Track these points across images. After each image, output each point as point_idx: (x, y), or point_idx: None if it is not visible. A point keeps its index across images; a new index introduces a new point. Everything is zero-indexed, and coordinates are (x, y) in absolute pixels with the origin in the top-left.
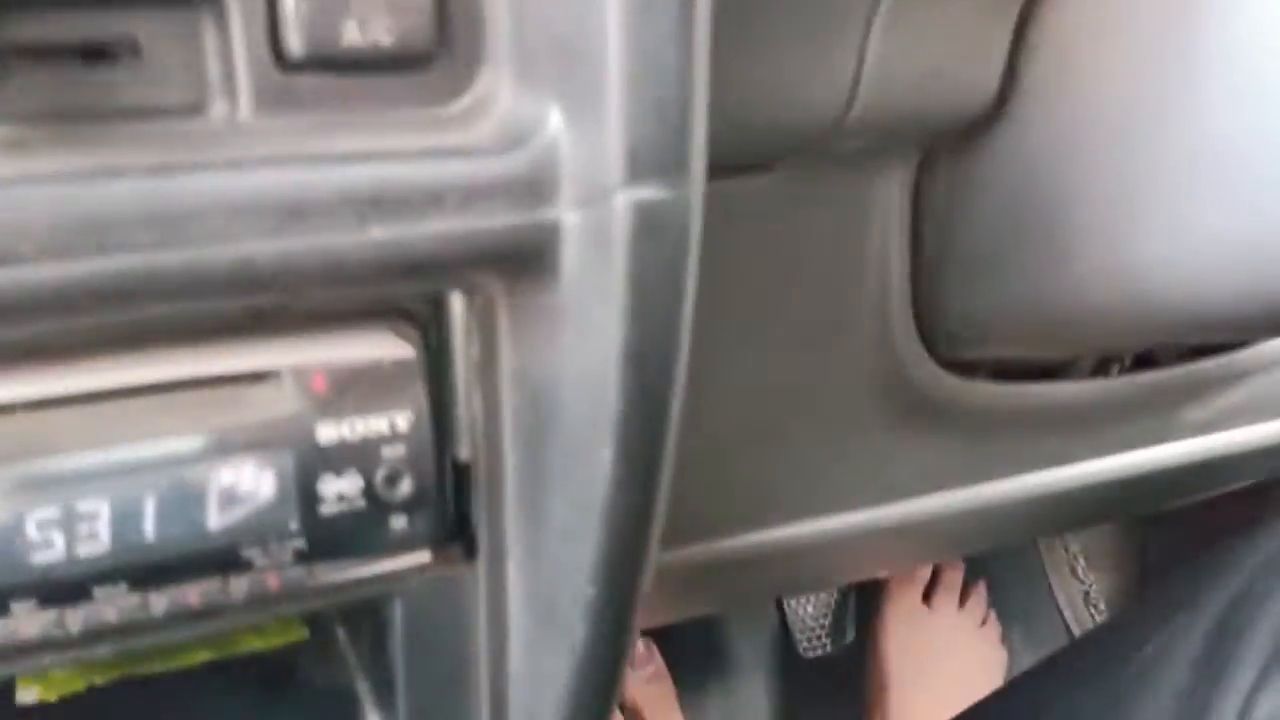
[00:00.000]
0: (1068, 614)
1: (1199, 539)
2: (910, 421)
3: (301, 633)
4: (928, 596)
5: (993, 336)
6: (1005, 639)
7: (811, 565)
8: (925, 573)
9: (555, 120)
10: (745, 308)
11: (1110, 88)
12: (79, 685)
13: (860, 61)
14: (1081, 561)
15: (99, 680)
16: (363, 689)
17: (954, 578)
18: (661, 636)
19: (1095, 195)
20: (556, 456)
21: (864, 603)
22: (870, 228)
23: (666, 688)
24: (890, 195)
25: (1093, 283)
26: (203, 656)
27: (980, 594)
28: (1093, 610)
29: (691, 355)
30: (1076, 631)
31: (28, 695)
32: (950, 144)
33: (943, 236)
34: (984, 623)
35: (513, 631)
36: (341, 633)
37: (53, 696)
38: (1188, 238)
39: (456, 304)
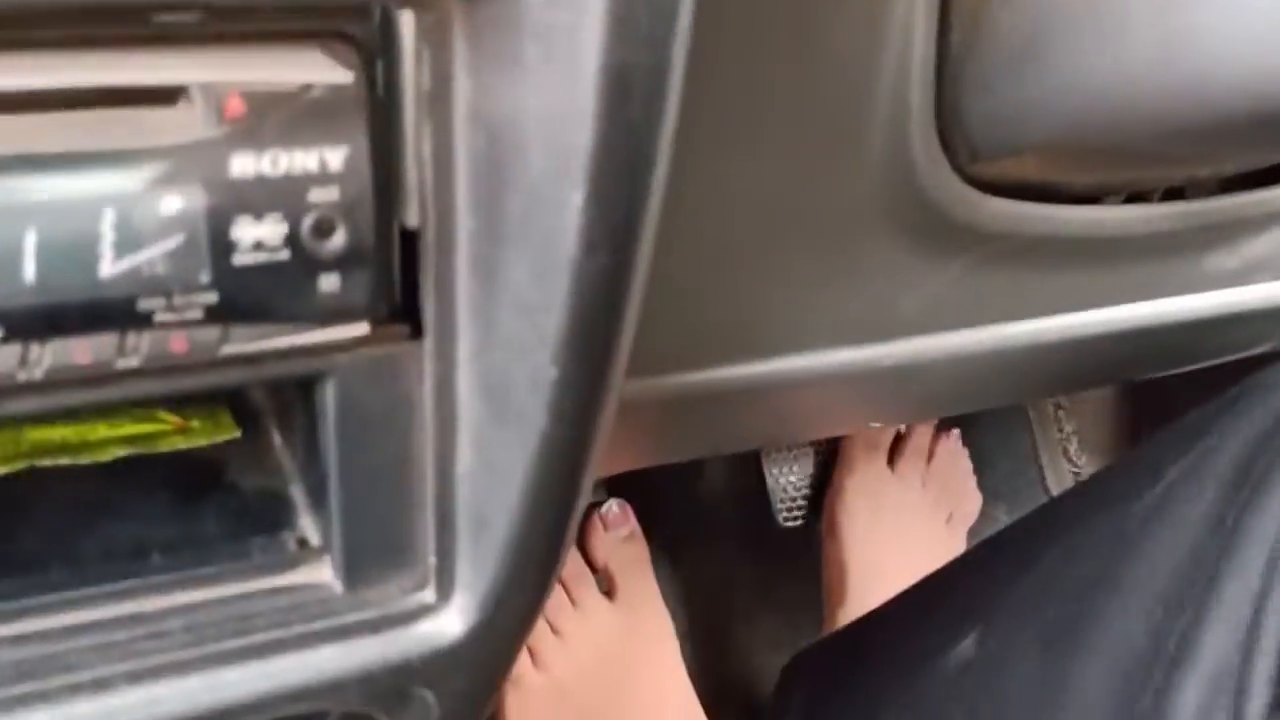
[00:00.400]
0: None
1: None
2: (921, 244)
3: (231, 431)
4: (891, 462)
5: (1024, 144)
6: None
7: (802, 408)
8: (887, 438)
9: None
10: (741, 94)
11: None
12: None
13: None
14: (1075, 443)
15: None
16: (296, 493)
17: (920, 443)
18: (638, 498)
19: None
20: (517, 210)
21: (823, 473)
22: (893, 3)
23: (641, 549)
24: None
25: (1143, 68)
26: (117, 452)
27: (957, 456)
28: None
29: (677, 144)
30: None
31: None
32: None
33: (975, 19)
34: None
35: (462, 422)
36: (277, 435)
37: None
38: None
39: (406, 24)
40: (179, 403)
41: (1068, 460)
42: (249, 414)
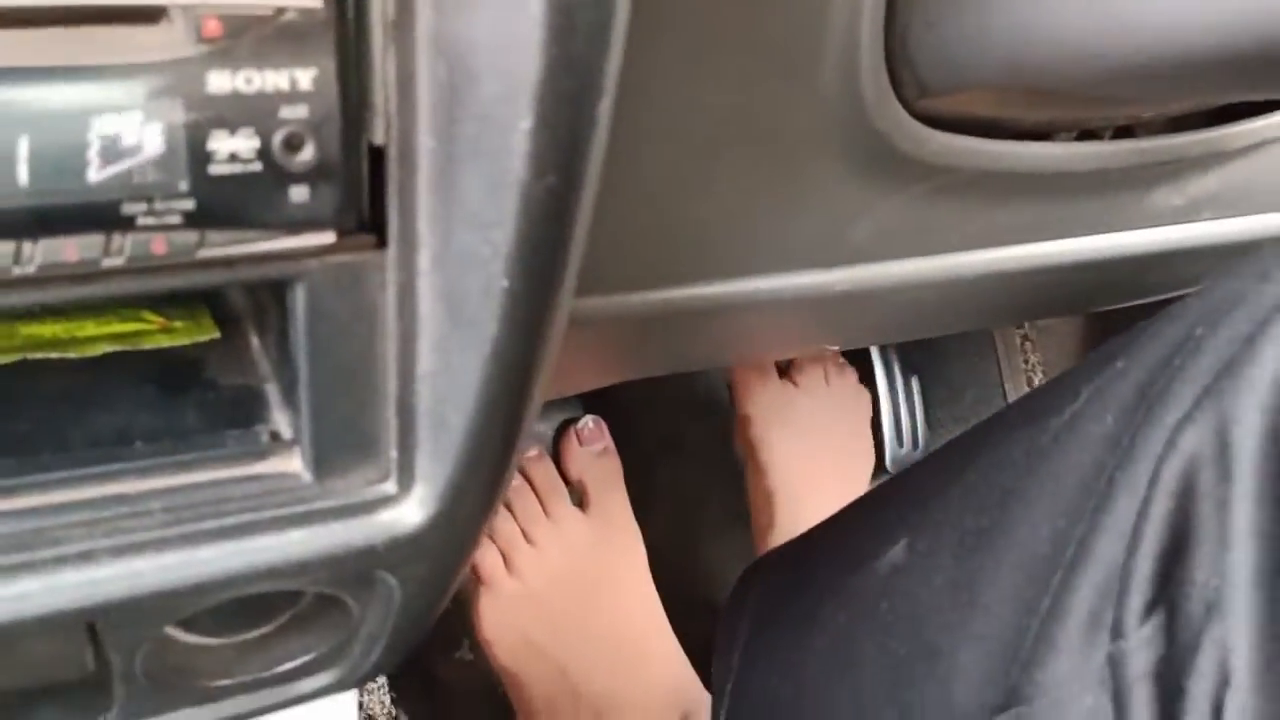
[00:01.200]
0: None
1: None
2: (871, 173)
3: (212, 331)
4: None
5: (968, 82)
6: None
7: (756, 330)
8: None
9: None
10: (694, 22)
11: None
12: None
13: None
14: (1040, 374)
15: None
16: (270, 391)
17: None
18: (612, 416)
19: None
20: (472, 133)
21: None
22: None
23: (614, 465)
24: None
25: (1075, 15)
26: (104, 347)
27: (844, 368)
28: None
29: (627, 68)
30: None
31: None
32: None
33: None
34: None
35: (422, 327)
36: (254, 337)
37: None
38: None
39: None
40: (163, 303)
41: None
42: (228, 317)
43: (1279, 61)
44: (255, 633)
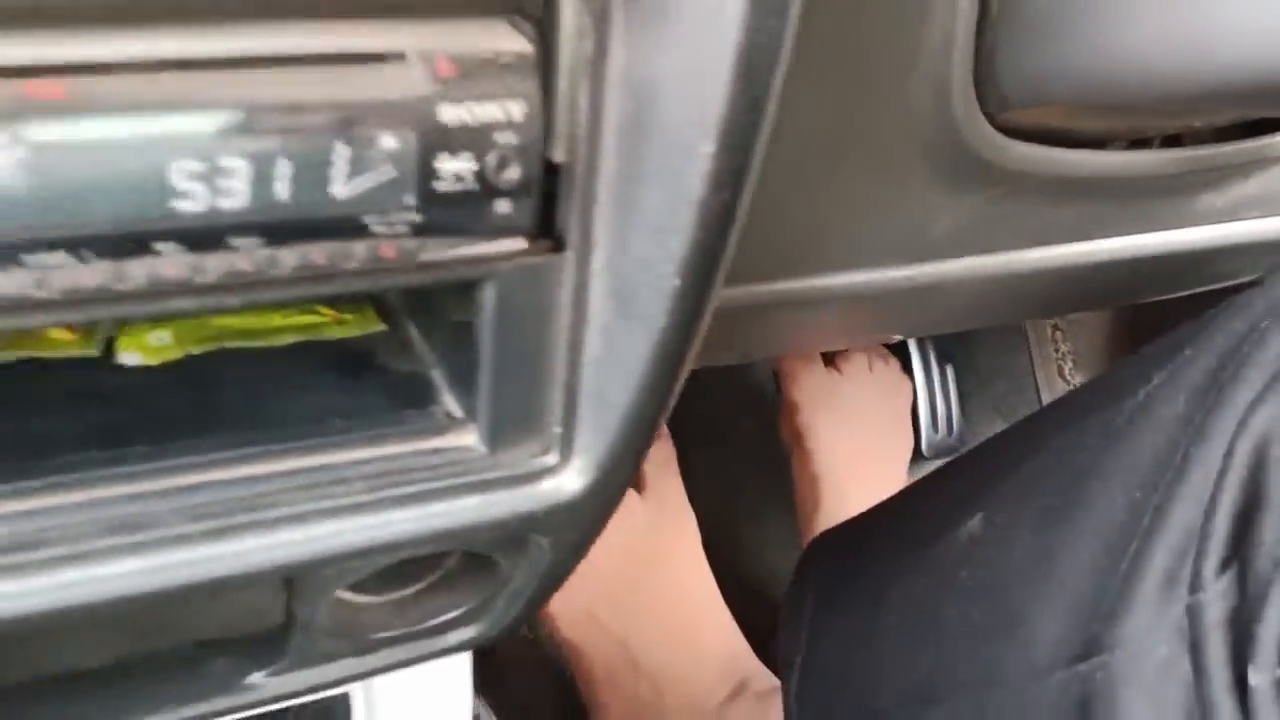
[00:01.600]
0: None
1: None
2: (955, 177)
3: (378, 324)
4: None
5: (1046, 99)
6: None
7: (827, 323)
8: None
9: None
10: (809, 40)
11: None
12: (177, 352)
13: None
14: (1070, 363)
15: (195, 350)
16: (436, 375)
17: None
18: None
19: None
20: (656, 153)
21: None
22: None
23: (669, 449)
24: None
25: (1151, 43)
26: (290, 338)
27: (887, 357)
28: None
29: None
30: None
31: (130, 358)
32: None
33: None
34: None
35: (592, 319)
36: (414, 329)
37: (154, 360)
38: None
39: (574, 6)
40: (331, 300)
41: (1063, 379)
42: (387, 312)
43: None
44: (411, 589)
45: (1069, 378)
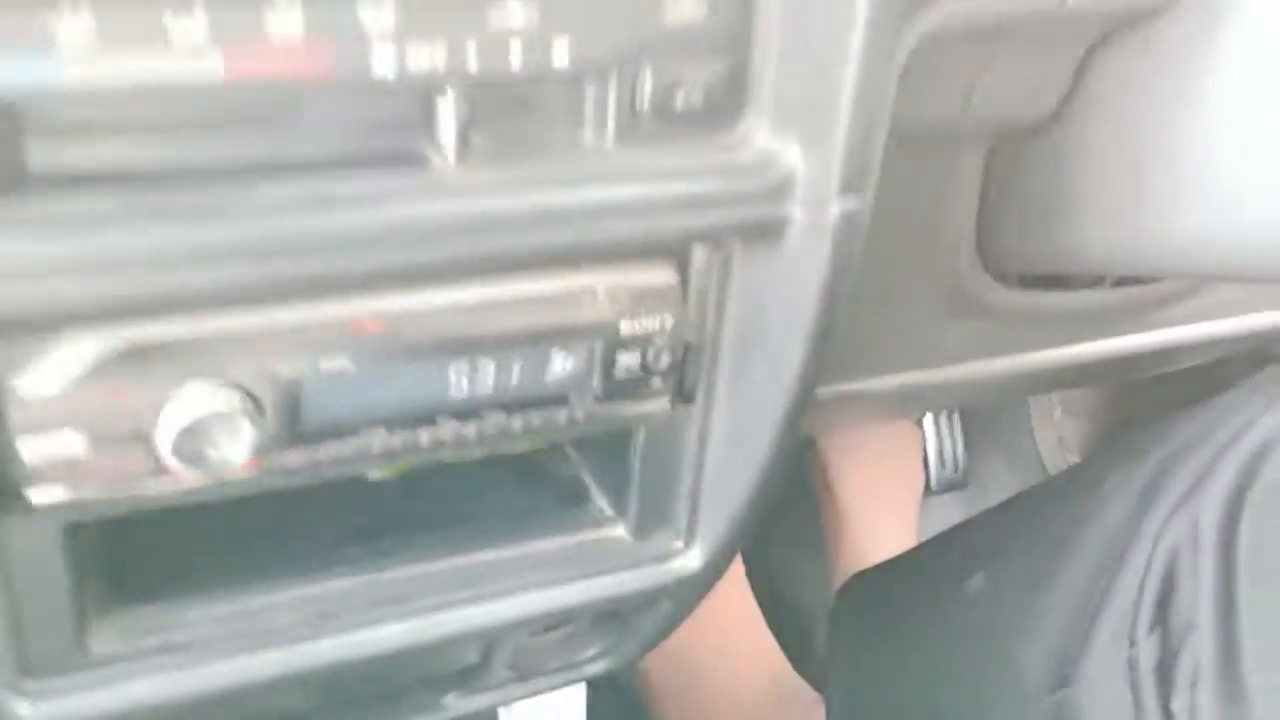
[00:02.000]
0: (1043, 451)
1: (1151, 405)
2: (965, 314)
3: (543, 443)
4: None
5: (1032, 264)
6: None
7: (889, 406)
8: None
9: (794, 152)
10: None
11: (1134, 114)
12: (405, 467)
13: (970, 91)
14: (1059, 409)
15: (421, 464)
16: (589, 480)
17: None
18: None
19: (1107, 185)
20: (761, 345)
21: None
22: (953, 186)
23: None
24: (969, 167)
25: (1115, 235)
26: (482, 453)
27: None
28: (1065, 451)
29: None
30: (1050, 465)
31: (376, 473)
32: (1016, 136)
33: (1001, 198)
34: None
35: (711, 448)
36: (570, 447)
37: (392, 474)
38: (1178, 216)
39: (701, 252)
40: None
41: (1052, 420)
42: None
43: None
44: (565, 633)
45: (1057, 420)
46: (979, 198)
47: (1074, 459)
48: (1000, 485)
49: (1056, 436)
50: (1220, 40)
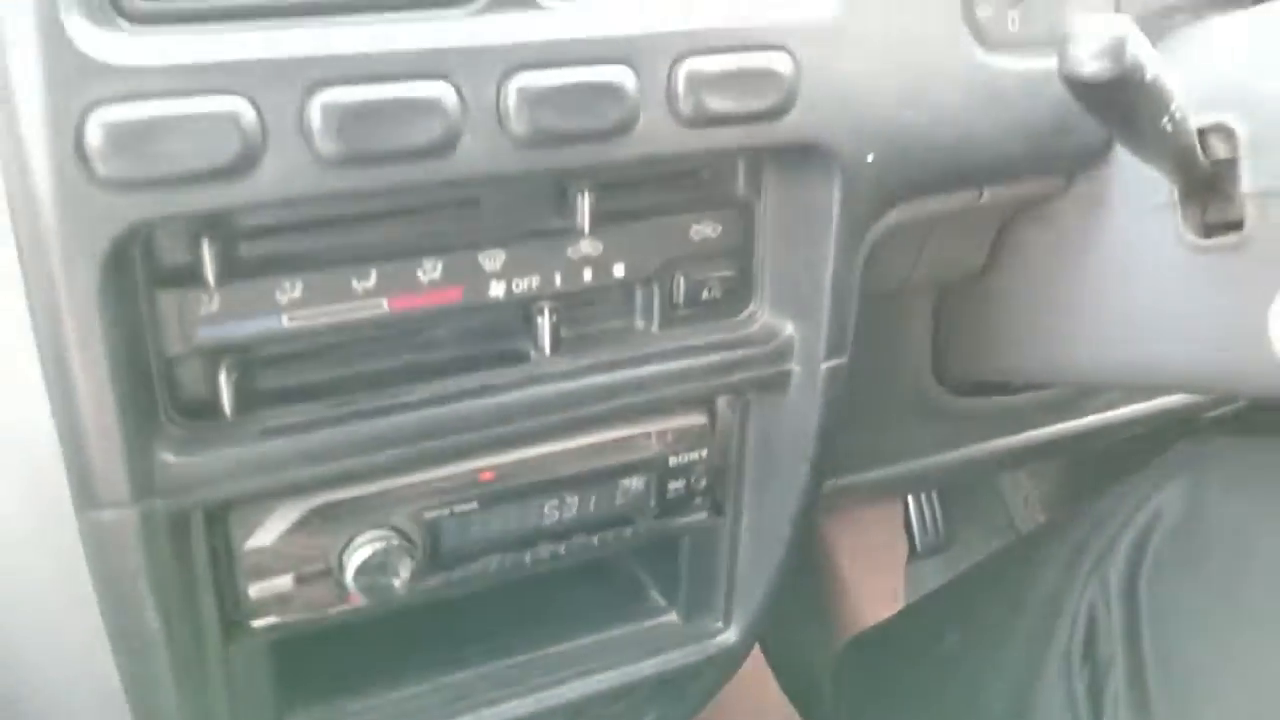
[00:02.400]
0: (1013, 511)
1: (1102, 469)
2: (930, 419)
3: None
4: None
5: (975, 376)
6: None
7: (876, 493)
8: None
9: (790, 326)
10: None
11: (1040, 269)
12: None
13: (916, 260)
14: (1024, 474)
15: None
16: (646, 578)
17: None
18: None
19: (1025, 321)
20: (775, 468)
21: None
22: (910, 325)
23: None
24: (920, 311)
25: (1028, 362)
26: (567, 564)
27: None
28: (1031, 509)
29: None
30: (1020, 523)
31: None
32: (955, 286)
33: (950, 332)
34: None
35: (742, 547)
36: (630, 554)
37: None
38: (1077, 345)
39: (725, 401)
40: None
41: (1021, 488)
42: None
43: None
44: (630, 702)
45: (1023, 483)
46: (931, 332)
47: (1040, 517)
48: (978, 545)
49: (1023, 497)
50: (1102, 219)
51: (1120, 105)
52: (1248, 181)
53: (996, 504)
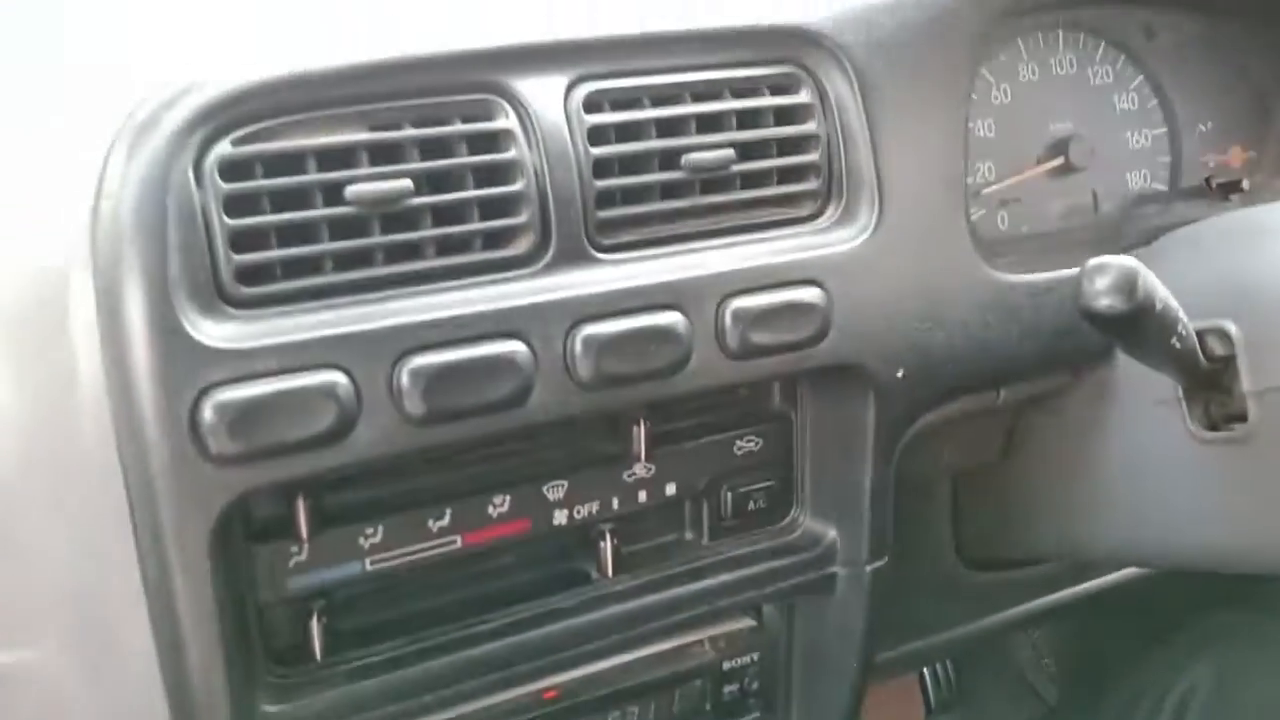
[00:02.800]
0: (1025, 666)
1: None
2: (951, 595)
3: None
4: None
5: (995, 554)
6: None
7: (905, 666)
8: None
9: (832, 531)
10: None
11: (1051, 457)
12: None
13: (940, 453)
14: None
15: None
16: None
17: None
18: None
19: (1039, 504)
20: (825, 667)
21: None
22: (932, 508)
23: None
24: (943, 493)
25: (1046, 544)
26: None
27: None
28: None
29: None
30: (1030, 677)
31: None
32: (971, 472)
33: (969, 513)
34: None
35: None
36: None
37: None
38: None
39: (771, 610)
40: None
41: (1034, 650)
42: None
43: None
44: None
45: (1033, 638)
46: (952, 513)
47: (1046, 660)
48: (991, 700)
49: (1031, 645)
50: (1109, 410)
51: (1133, 332)
52: (1248, 381)
53: (1006, 660)
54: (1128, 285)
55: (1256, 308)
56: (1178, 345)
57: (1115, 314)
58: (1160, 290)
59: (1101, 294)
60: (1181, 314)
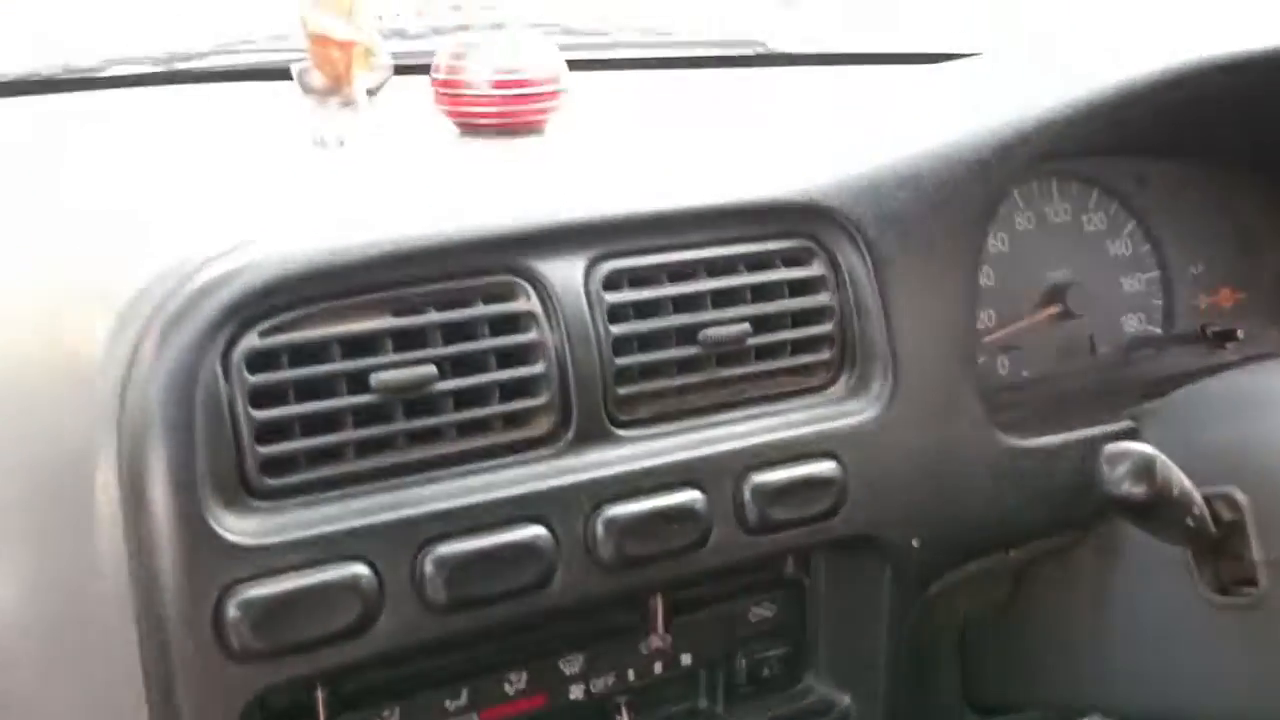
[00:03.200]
0: None
1: None
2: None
3: None
4: None
5: (1003, 701)
6: None
7: None
8: None
9: (846, 699)
10: None
11: (1058, 606)
12: None
13: (950, 607)
14: None
15: None
16: None
17: None
18: None
19: (1045, 653)
20: None
21: None
22: (939, 654)
23: None
24: (950, 639)
25: (1055, 694)
26: None
27: None
28: None
29: None
30: None
31: None
32: (976, 620)
33: (977, 658)
34: None
35: None
36: None
37: None
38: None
39: None
40: None
41: None
42: None
43: None
44: None
45: None
46: (959, 658)
47: None
48: None
49: None
50: (1118, 568)
51: (1151, 515)
52: (1258, 549)
53: None
54: (1146, 472)
55: (1265, 477)
56: (1191, 524)
57: (1136, 500)
58: (1175, 474)
59: (1122, 480)
60: (1196, 495)
